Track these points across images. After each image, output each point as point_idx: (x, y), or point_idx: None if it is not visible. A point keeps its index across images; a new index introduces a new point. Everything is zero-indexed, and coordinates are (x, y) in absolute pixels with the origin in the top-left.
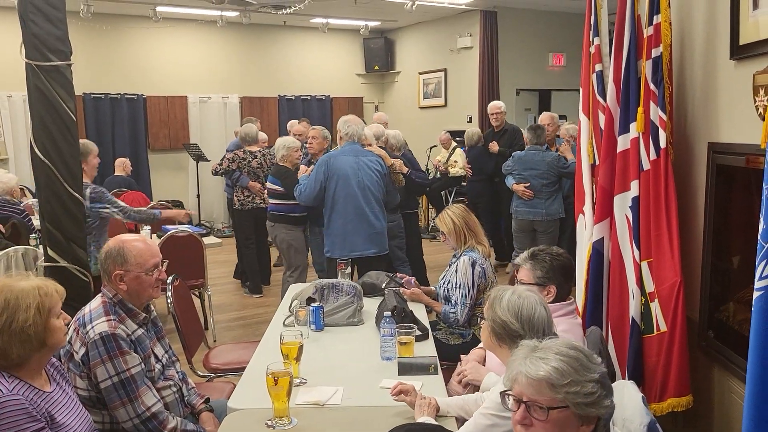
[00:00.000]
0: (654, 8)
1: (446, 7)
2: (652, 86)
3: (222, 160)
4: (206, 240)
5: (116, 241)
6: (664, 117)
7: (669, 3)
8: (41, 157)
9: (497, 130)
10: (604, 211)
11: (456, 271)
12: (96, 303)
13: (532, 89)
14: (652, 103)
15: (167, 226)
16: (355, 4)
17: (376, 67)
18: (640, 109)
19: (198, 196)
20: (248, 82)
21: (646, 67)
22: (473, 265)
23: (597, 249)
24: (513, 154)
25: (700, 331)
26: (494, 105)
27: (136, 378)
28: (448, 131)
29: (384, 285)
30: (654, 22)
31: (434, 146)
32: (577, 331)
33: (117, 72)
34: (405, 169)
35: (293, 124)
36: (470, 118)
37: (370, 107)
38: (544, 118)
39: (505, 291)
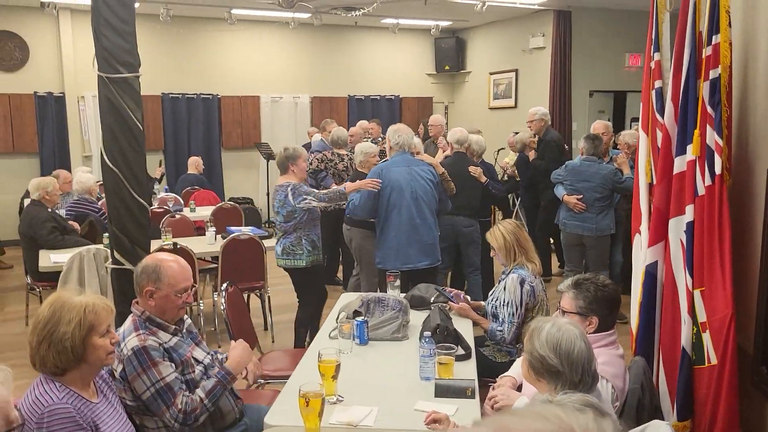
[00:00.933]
0: (713, 28)
1: (519, 7)
2: (709, 108)
3: (311, 159)
4: (268, 242)
5: (154, 259)
6: (720, 142)
7: (730, 23)
8: (110, 164)
9: (537, 139)
10: (658, 234)
11: (504, 288)
12: (127, 322)
13: (606, 91)
14: (708, 126)
15: (231, 228)
16: (425, 5)
17: (447, 67)
18: (697, 132)
19: (267, 194)
20: (319, 82)
21: (704, 89)
22: (522, 283)
23: (650, 272)
24: (566, 162)
25: (754, 366)
26: (530, 112)
27: (172, 385)
28: (517, 133)
29: (432, 299)
30: (713, 42)
31: (502, 148)
32: (618, 363)
33: (193, 73)
34: (484, 179)
35: (362, 124)
36: None
37: (439, 107)
38: (597, 126)
39: (545, 323)
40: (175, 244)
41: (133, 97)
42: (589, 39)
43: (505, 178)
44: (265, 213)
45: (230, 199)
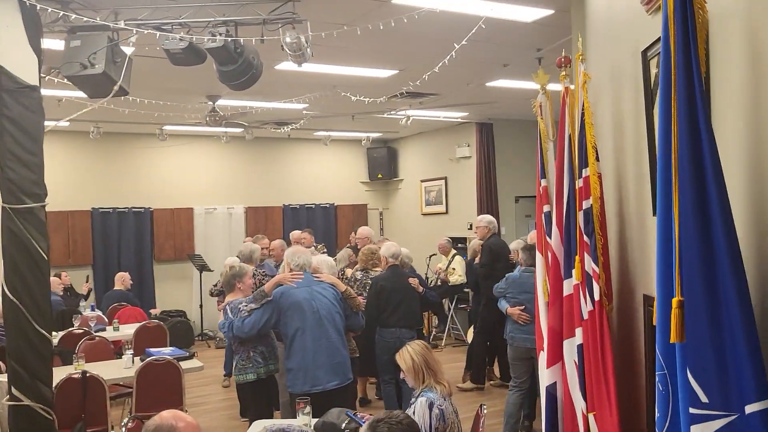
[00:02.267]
0: (582, 161)
1: (443, 120)
2: (585, 237)
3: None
4: (188, 364)
5: (166, 420)
6: (597, 269)
7: (597, 157)
8: (11, 296)
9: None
10: (555, 355)
11: (413, 412)
12: None
13: (531, 196)
14: (586, 254)
15: (150, 349)
16: (353, 119)
17: (380, 175)
18: (577, 258)
19: (201, 306)
20: (253, 193)
21: (580, 218)
22: (431, 406)
23: (551, 393)
24: (507, 275)
25: None
26: (476, 219)
27: None
28: (450, 238)
29: (343, 425)
30: (583, 175)
31: (434, 254)
32: None
33: (125, 187)
34: (420, 289)
35: (295, 234)
36: (470, 225)
37: (374, 214)
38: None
39: None
40: (84, 372)
41: (38, 227)
42: (511, 147)
43: (438, 283)
44: (198, 326)
45: (163, 312)
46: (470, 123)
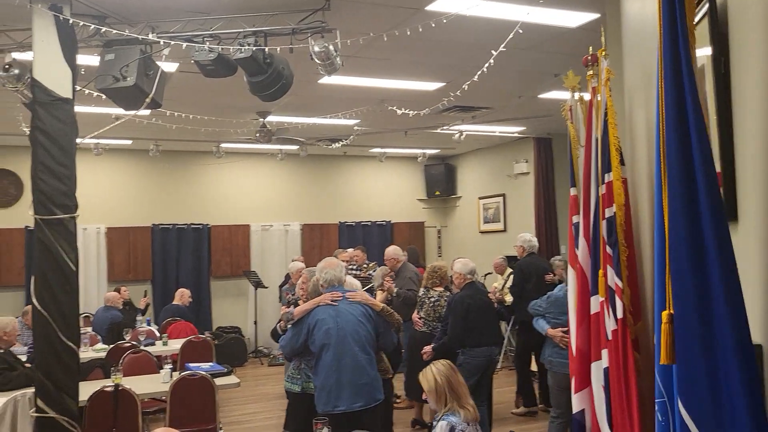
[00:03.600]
0: (605, 165)
1: (500, 135)
2: (608, 248)
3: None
4: (223, 380)
5: None
6: (620, 283)
7: (622, 161)
8: (39, 307)
9: None
10: (583, 379)
11: None
12: None
13: None
14: (609, 267)
15: (190, 364)
16: (405, 135)
17: (437, 192)
18: (600, 272)
19: (255, 322)
20: (309, 210)
21: (603, 228)
22: (452, 431)
23: (578, 421)
24: (549, 293)
25: None
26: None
27: None
28: (506, 256)
29: None
30: (605, 181)
31: (489, 273)
32: None
33: (183, 204)
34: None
35: (339, 252)
36: None
37: (432, 231)
38: None
39: None
40: (117, 385)
41: (68, 238)
42: None
43: (495, 304)
44: (252, 343)
45: (218, 329)
46: (528, 138)
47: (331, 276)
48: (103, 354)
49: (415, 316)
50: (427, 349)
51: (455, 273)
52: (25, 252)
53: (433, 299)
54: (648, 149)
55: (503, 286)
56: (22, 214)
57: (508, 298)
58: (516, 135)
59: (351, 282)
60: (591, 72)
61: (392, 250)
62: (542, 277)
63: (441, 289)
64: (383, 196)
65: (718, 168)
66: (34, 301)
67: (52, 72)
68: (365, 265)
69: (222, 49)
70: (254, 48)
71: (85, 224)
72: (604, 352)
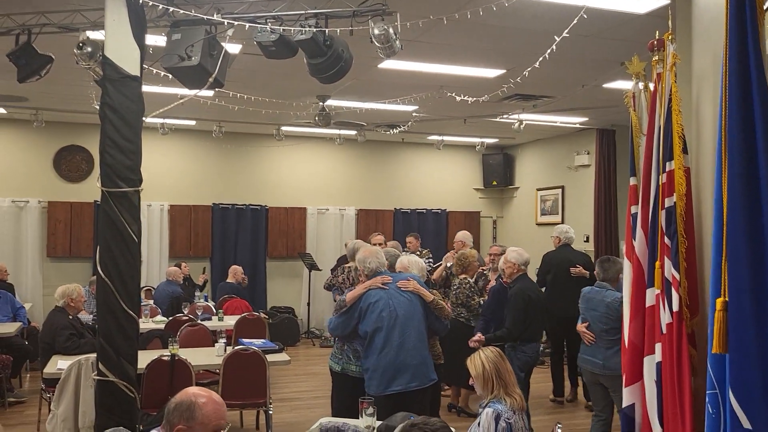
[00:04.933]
0: (667, 153)
1: (561, 126)
2: (666, 239)
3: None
4: (275, 357)
5: (188, 395)
6: (677, 275)
7: (685, 148)
8: (102, 275)
9: None
10: (635, 373)
11: (479, 424)
12: None
13: None
14: (666, 258)
15: (244, 340)
16: (464, 123)
17: (495, 182)
18: (657, 264)
19: (308, 304)
20: (365, 195)
21: (662, 218)
22: (497, 418)
23: (627, 415)
24: (582, 289)
25: None
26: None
27: None
28: None
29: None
30: (667, 169)
31: None
32: None
33: (243, 184)
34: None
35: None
36: (587, 237)
37: (487, 222)
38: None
39: None
40: (173, 355)
41: (131, 210)
42: None
43: None
44: (305, 323)
45: (272, 308)
46: (591, 129)
47: (375, 265)
48: (161, 325)
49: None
50: (479, 338)
51: (508, 263)
52: (94, 225)
53: (455, 286)
54: (714, 138)
55: None
56: (92, 189)
57: None
58: (578, 126)
59: (415, 260)
60: (656, 57)
61: (462, 234)
62: (566, 269)
63: (463, 276)
64: (439, 184)
65: None
66: (98, 269)
67: (122, 50)
68: (418, 252)
69: (283, 30)
70: (315, 30)
71: (150, 201)
72: (658, 346)
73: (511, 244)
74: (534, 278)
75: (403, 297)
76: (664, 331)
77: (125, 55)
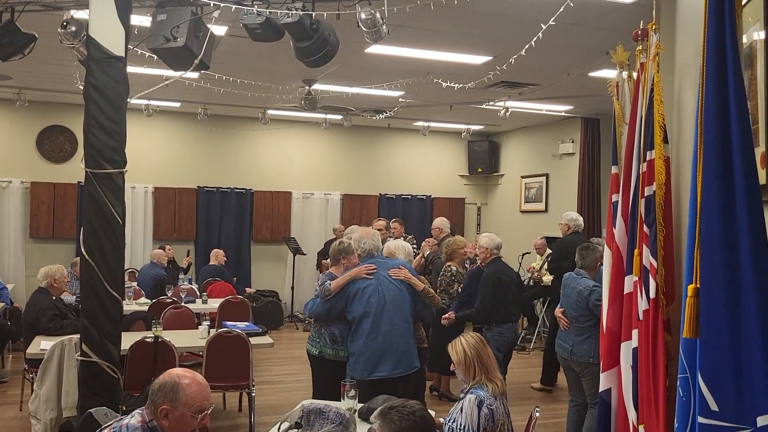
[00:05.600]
0: (648, 143)
1: (546, 113)
2: (645, 227)
3: None
4: (259, 340)
5: (172, 377)
6: (655, 263)
7: (666, 138)
8: (86, 256)
9: None
10: (611, 358)
11: (461, 410)
12: (135, 420)
13: None
14: (644, 246)
15: (227, 322)
16: (450, 110)
17: (480, 169)
18: (636, 251)
19: (292, 288)
20: (350, 180)
21: (641, 206)
22: (480, 405)
23: (604, 399)
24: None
25: None
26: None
27: None
28: (545, 237)
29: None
30: (647, 158)
31: (527, 252)
32: None
33: (229, 168)
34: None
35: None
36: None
37: (472, 208)
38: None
39: None
40: (157, 337)
41: (115, 192)
42: None
43: (531, 283)
44: (288, 307)
45: (256, 291)
46: (575, 118)
47: (370, 246)
48: (145, 307)
49: None
50: (449, 315)
51: (481, 247)
52: (77, 206)
53: (453, 272)
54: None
55: (541, 266)
56: (75, 170)
57: (546, 279)
58: (563, 114)
59: (402, 245)
60: (640, 47)
61: (439, 221)
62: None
63: (448, 263)
64: (425, 170)
65: (763, 148)
66: (82, 250)
67: (107, 30)
68: (403, 238)
69: (270, 13)
70: (301, 13)
71: (134, 183)
72: (635, 332)
73: (494, 230)
74: (513, 264)
75: (393, 284)
76: (641, 318)
77: (110, 35)
